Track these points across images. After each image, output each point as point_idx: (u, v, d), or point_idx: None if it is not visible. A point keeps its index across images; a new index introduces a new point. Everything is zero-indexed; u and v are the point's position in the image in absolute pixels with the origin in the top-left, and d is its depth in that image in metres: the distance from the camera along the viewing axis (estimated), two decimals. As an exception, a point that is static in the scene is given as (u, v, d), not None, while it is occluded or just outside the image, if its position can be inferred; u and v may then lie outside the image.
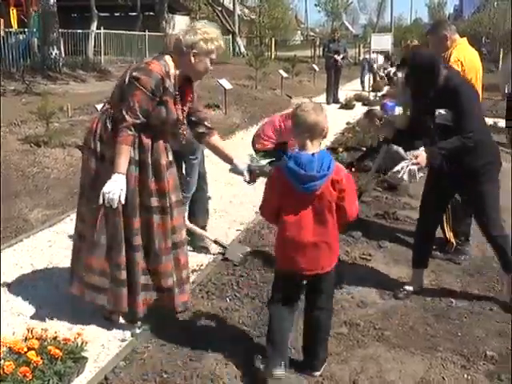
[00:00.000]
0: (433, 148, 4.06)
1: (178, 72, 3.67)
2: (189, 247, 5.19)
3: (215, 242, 5.15)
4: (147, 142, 3.63)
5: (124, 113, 3.49)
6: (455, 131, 3.99)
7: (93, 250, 3.67)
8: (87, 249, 3.72)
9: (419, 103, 4.35)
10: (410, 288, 4.48)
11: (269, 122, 8.23)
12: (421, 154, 4.01)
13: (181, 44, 3.62)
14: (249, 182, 4.09)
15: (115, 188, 3.47)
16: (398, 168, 4.01)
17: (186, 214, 5.24)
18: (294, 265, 3.19)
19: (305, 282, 3.34)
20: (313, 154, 3.06)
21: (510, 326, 3.98)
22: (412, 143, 4.94)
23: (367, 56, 21.79)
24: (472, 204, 4.45)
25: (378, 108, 10.31)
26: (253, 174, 4.06)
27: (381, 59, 20.98)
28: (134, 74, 3.53)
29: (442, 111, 4.03)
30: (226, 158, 4.11)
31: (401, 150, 4.16)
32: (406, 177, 3.98)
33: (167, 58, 3.65)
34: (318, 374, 3.37)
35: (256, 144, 8.02)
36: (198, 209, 5.35)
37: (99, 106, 6.44)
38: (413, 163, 3.99)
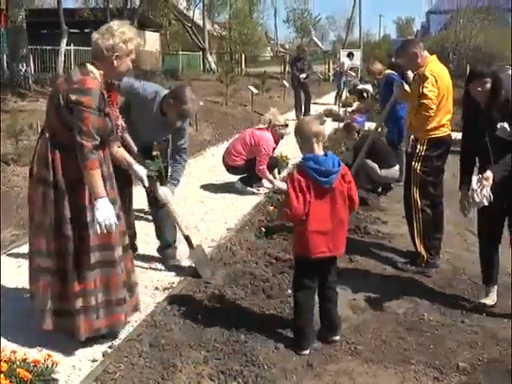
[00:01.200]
0: (497, 167, 4.09)
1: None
2: (161, 266, 5.20)
3: (186, 237, 5.06)
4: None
5: (80, 139, 3.41)
6: None
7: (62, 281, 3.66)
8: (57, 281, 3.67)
9: (480, 118, 4.35)
10: (488, 302, 4.54)
11: (239, 138, 8.28)
12: (490, 175, 4.04)
13: (100, 48, 3.58)
14: (147, 188, 4.38)
15: (108, 213, 3.45)
16: (475, 194, 4.04)
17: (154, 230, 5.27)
18: (321, 250, 3.75)
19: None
20: (324, 155, 3.73)
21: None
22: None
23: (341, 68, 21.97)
24: None
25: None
26: (152, 181, 4.34)
27: (347, 61, 21.29)
28: (74, 97, 3.43)
29: (506, 125, 4.05)
30: (126, 163, 4.18)
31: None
32: (485, 200, 4.04)
33: (91, 67, 3.60)
34: (338, 338, 3.96)
35: (227, 160, 8.06)
36: (165, 224, 5.27)
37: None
38: (484, 185, 4.01)
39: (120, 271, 3.76)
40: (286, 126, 7.93)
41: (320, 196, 3.69)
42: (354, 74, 19.98)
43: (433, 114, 5.00)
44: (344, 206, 3.80)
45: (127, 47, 3.61)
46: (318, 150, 3.74)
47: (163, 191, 4.83)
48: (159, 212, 5.17)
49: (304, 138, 3.77)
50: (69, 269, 3.61)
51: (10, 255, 5.39)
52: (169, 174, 5.19)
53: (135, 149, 4.76)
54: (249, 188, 7.96)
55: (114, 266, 3.71)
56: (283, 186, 7.39)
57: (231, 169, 8.16)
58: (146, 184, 4.40)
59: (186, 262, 5.20)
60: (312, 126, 3.76)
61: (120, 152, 4.14)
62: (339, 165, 3.73)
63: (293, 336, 3.93)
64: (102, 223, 3.43)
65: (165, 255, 5.28)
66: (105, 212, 3.44)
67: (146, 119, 4.99)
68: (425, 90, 4.96)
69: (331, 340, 3.95)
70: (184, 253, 5.23)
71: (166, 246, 5.29)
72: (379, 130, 7.63)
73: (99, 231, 3.46)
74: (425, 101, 4.95)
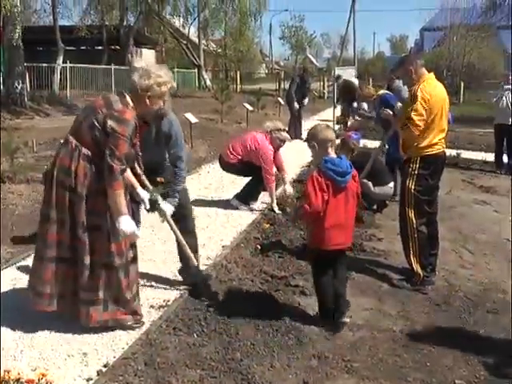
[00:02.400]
0: None
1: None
2: (156, 283, 5.17)
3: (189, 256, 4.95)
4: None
5: (111, 162, 3.79)
6: None
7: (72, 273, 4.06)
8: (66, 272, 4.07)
9: None
10: None
11: (240, 138, 8.29)
12: None
13: (136, 87, 3.97)
14: (148, 211, 4.65)
15: (132, 227, 3.96)
16: None
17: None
18: (337, 243, 4.30)
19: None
20: (339, 157, 4.27)
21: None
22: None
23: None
24: None
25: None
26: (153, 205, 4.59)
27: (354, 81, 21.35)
28: (113, 125, 3.81)
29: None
30: (131, 186, 4.39)
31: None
32: None
33: (129, 99, 3.98)
34: (348, 320, 4.40)
35: (223, 155, 8.15)
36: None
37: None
38: None
39: (126, 275, 4.14)
40: (284, 130, 8.10)
41: (336, 194, 4.19)
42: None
43: (418, 135, 5.06)
44: (354, 203, 4.36)
45: (160, 89, 4.03)
46: (332, 153, 4.29)
47: (164, 207, 4.83)
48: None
49: (320, 142, 4.29)
50: (80, 264, 3.99)
51: (5, 273, 5.36)
52: None
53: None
54: (243, 206, 7.94)
55: (122, 269, 4.09)
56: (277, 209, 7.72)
57: (224, 165, 8.28)
58: (147, 207, 4.60)
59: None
60: (327, 133, 4.33)
61: (126, 174, 4.25)
62: (351, 167, 4.28)
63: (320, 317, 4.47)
64: (128, 233, 3.92)
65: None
66: (130, 226, 3.92)
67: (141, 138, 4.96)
68: (412, 113, 5.03)
69: (344, 321, 4.37)
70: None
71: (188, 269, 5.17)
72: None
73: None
74: (410, 126, 5.06)
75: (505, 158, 11.60)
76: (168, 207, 4.81)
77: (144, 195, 4.53)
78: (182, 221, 5.02)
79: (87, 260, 3.97)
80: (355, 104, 16.72)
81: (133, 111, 3.93)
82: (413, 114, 5.02)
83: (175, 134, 5.00)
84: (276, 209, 7.74)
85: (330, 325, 4.36)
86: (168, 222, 4.82)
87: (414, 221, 5.21)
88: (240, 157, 7.95)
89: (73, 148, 3.93)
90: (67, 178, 3.91)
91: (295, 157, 11.63)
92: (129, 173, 4.34)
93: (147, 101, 4.01)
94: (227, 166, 8.27)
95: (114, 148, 3.80)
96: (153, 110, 4.16)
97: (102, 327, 4.15)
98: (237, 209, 7.87)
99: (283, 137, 8.00)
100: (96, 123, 3.87)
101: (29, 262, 5.63)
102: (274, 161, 7.92)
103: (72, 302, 4.11)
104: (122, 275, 4.10)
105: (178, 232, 4.85)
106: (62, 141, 4.22)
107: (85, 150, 3.91)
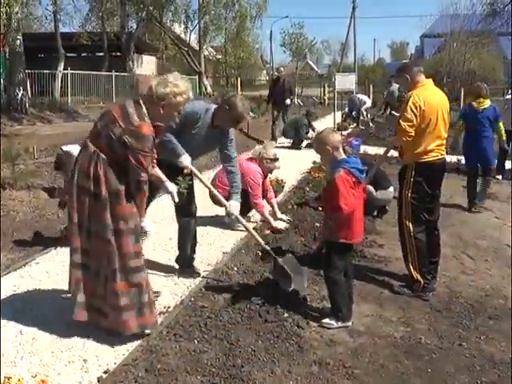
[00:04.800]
0: None
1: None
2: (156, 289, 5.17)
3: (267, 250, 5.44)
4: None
5: (138, 177, 3.99)
6: None
7: (96, 279, 4.11)
8: (91, 278, 4.12)
9: None
10: None
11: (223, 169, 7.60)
12: None
13: (152, 94, 4.03)
14: (177, 203, 4.87)
15: (154, 228, 4.48)
16: None
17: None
18: (361, 235, 4.71)
19: None
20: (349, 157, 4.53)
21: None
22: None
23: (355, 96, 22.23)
24: None
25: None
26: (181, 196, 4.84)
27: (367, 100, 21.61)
28: (132, 141, 3.92)
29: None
30: (158, 179, 4.65)
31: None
32: None
33: (144, 109, 4.02)
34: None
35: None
36: (187, 237, 5.61)
37: (66, 148, 6.42)
38: None
39: (146, 276, 4.23)
40: (276, 160, 7.68)
41: (358, 189, 4.49)
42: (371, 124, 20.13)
43: (409, 140, 5.08)
44: (362, 197, 4.61)
45: (176, 100, 4.10)
46: (343, 153, 4.50)
47: (233, 206, 5.32)
48: (183, 223, 5.52)
49: (332, 145, 4.47)
50: (108, 270, 4.05)
51: (5, 279, 5.36)
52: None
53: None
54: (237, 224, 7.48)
55: (143, 271, 4.17)
56: (276, 224, 7.28)
57: (218, 202, 7.47)
58: (176, 200, 4.79)
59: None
60: (334, 136, 4.55)
61: (154, 170, 4.49)
62: (363, 164, 4.61)
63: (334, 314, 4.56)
64: (152, 233, 4.38)
65: (182, 265, 5.62)
66: (152, 226, 4.40)
67: (198, 134, 5.25)
68: (401, 119, 5.08)
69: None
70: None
71: (185, 257, 5.62)
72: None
73: (141, 241, 4.18)
74: (398, 133, 5.14)
75: (508, 164, 11.54)
76: (235, 204, 5.40)
77: (172, 188, 4.73)
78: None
79: (116, 264, 4.02)
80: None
81: (149, 124, 4.00)
82: (401, 120, 5.05)
83: (232, 138, 5.48)
84: (282, 225, 7.32)
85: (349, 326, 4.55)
86: (237, 217, 5.39)
87: (412, 229, 5.20)
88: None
89: (92, 153, 4.03)
90: (87, 181, 4.00)
91: (295, 163, 11.64)
92: (156, 168, 4.57)
93: (161, 110, 4.07)
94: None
95: (137, 164, 3.95)
96: (165, 120, 4.25)
97: (135, 334, 4.16)
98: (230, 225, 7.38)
99: (274, 167, 7.69)
100: (113, 136, 3.97)
101: (29, 268, 5.65)
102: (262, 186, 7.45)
103: (102, 311, 4.13)
104: (145, 276, 4.18)
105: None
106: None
107: (103, 155, 4.00)
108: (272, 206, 7.72)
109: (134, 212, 4.09)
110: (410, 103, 5.04)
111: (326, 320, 4.54)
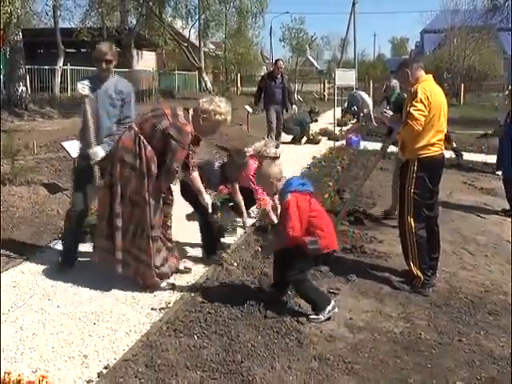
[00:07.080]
0: None
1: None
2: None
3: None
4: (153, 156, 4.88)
5: (171, 165, 4.82)
6: None
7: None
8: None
9: None
10: None
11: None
12: None
13: (197, 107, 4.96)
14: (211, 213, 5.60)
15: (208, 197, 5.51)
16: None
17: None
18: (335, 244, 4.77)
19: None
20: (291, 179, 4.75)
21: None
22: None
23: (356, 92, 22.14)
24: None
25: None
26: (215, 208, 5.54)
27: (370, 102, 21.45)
28: (174, 134, 4.77)
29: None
30: (198, 191, 5.41)
31: None
32: None
33: (191, 116, 4.94)
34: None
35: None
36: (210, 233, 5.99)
37: (65, 144, 6.42)
38: None
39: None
40: (276, 158, 7.64)
41: (313, 199, 4.69)
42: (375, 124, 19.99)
43: (418, 131, 5.02)
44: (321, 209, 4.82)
45: (215, 117, 4.97)
46: (282, 181, 4.72)
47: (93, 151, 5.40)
48: (203, 221, 5.87)
49: (275, 177, 4.70)
50: (143, 231, 4.93)
51: (5, 275, 5.36)
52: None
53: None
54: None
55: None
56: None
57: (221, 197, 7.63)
58: (210, 210, 5.53)
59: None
60: (274, 169, 4.75)
61: (196, 179, 5.39)
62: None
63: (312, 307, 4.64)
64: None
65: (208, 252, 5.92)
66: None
67: None
68: (412, 108, 5.00)
69: None
70: None
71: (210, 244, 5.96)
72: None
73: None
74: (410, 121, 5.01)
75: None
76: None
77: (208, 200, 5.45)
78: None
79: (148, 227, 4.89)
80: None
81: (191, 127, 4.86)
82: (412, 109, 4.99)
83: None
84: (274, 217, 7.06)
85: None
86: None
87: (413, 225, 5.20)
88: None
89: (136, 133, 4.87)
90: (128, 156, 4.83)
91: (296, 159, 11.63)
92: (197, 179, 5.38)
93: (201, 122, 4.95)
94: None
95: (173, 154, 4.78)
96: (203, 132, 5.11)
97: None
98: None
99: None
100: (159, 125, 4.81)
101: (28, 264, 5.65)
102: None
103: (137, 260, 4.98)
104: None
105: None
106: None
107: (143, 139, 4.83)
108: (274, 202, 7.66)
109: (161, 189, 4.96)
110: (419, 95, 5.02)
111: (313, 316, 4.56)
